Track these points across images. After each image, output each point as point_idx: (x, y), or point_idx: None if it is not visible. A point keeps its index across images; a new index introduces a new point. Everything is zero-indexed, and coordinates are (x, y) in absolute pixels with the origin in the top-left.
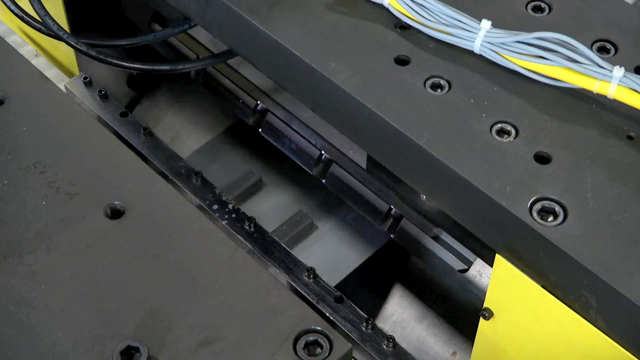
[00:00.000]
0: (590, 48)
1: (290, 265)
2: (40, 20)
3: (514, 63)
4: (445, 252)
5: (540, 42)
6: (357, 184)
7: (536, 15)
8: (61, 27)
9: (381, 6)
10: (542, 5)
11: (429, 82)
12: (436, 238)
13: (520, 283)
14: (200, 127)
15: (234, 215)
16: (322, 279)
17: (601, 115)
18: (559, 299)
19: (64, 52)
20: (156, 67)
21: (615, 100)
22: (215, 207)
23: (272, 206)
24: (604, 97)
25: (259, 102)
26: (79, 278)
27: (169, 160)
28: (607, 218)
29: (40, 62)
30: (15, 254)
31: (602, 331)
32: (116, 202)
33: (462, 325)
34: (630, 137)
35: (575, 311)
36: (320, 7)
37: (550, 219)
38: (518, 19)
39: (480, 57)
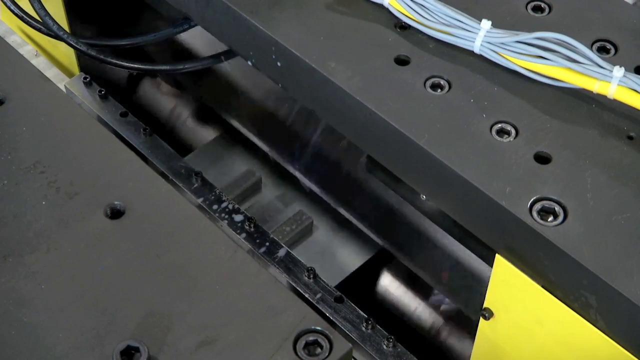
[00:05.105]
0: (590, 48)
1: (290, 265)
2: (40, 20)
3: (514, 63)
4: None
5: (540, 42)
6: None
7: (536, 15)
8: (61, 27)
9: (381, 6)
10: (542, 5)
11: (429, 82)
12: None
13: (520, 283)
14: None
15: (234, 215)
16: (322, 279)
17: (601, 115)
18: (559, 299)
19: (64, 52)
20: (156, 67)
21: (615, 100)
22: (215, 207)
23: (272, 206)
24: (604, 97)
25: None
26: (79, 278)
27: (169, 160)
28: (607, 218)
29: (40, 62)
30: (15, 254)
31: (602, 331)
32: (116, 202)
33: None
34: (630, 137)
35: (575, 311)
36: (320, 7)
37: (550, 219)
38: (518, 19)
39: (480, 57)
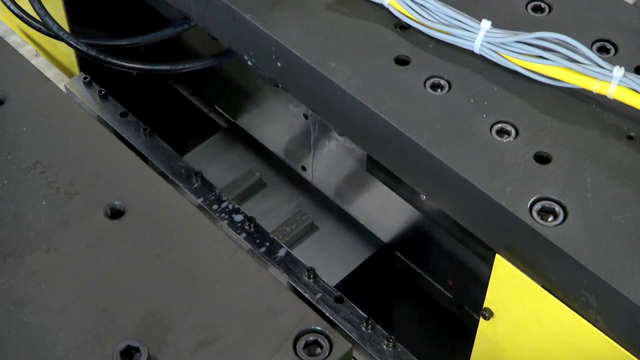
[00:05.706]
0: (590, 48)
1: (290, 265)
2: (40, 20)
3: (514, 63)
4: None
5: (540, 42)
6: None
7: (536, 15)
8: (61, 27)
9: (381, 6)
10: (542, 5)
11: (429, 82)
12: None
13: (520, 283)
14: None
15: (234, 215)
16: (322, 279)
17: (601, 115)
18: (559, 299)
19: (64, 52)
20: (156, 67)
21: (615, 100)
22: (215, 207)
23: (272, 206)
24: (604, 97)
25: None
26: (79, 278)
27: (169, 160)
28: (607, 218)
29: (40, 62)
30: (15, 254)
31: (602, 331)
32: (116, 202)
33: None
34: (630, 137)
35: (575, 311)
36: (320, 7)
37: (550, 219)
38: (518, 19)
39: (480, 57)
